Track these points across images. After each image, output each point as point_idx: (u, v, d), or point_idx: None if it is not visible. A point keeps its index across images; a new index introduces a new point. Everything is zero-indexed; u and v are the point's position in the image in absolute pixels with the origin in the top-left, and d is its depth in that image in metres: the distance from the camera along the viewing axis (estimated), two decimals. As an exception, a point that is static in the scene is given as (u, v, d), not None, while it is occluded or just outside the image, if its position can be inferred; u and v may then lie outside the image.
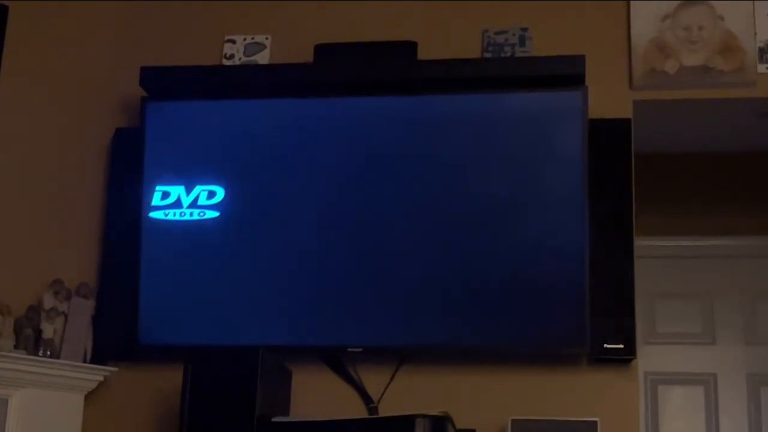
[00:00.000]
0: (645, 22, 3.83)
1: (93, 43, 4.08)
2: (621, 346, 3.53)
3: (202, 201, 3.73)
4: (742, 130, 4.22)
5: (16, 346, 3.52)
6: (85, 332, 3.72)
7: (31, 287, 3.70)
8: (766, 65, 3.72)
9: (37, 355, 3.54)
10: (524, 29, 3.87)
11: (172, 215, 3.74)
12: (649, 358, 4.65)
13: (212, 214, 3.72)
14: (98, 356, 3.74)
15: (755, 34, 3.75)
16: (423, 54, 3.83)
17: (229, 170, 3.81)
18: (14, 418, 3.39)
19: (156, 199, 3.77)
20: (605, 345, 3.53)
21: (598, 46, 3.82)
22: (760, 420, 4.63)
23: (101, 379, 3.71)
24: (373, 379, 3.68)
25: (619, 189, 3.65)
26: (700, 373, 4.73)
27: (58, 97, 3.91)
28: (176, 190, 3.76)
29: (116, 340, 3.77)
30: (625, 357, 3.55)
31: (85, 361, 3.69)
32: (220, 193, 3.72)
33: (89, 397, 3.72)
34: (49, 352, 3.58)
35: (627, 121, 3.73)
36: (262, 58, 3.99)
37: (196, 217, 3.72)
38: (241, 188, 3.79)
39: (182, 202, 3.73)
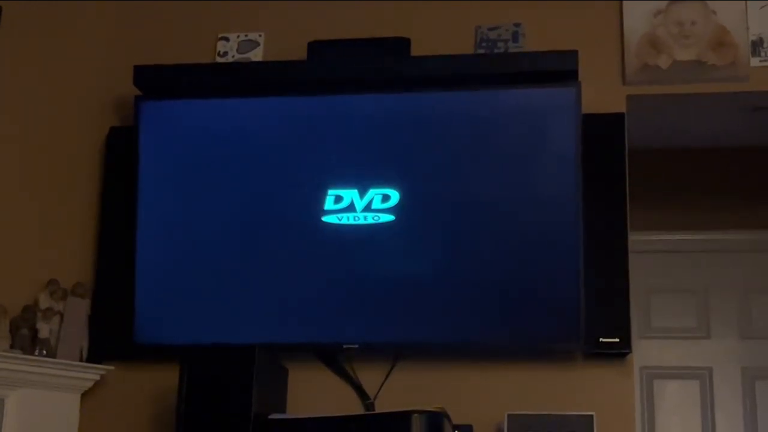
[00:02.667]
0: (638, 18, 3.83)
1: (87, 42, 4.07)
2: (616, 340, 3.54)
3: (376, 205, 3.68)
4: (735, 124, 4.23)
5: (12, 346, 3.51)
6: (81, 332, 3.72)
7: (27, 287, 3.69)
8: (758, 59, 3.73)
9: (33, 354, 3.53)
10: (517, 25, 3.88)
11: (346, 219, 3.70)
12: (645, 352, 4.66)
13: (387, 217, 3.67)
14: (94, 355, 3.74)
15: (747, 28, 3.76)
16: (416, 50, 3.84)
17: (223, 167, 3.80)
18: (11, 418, 3.38)
19: (329, 203, 3.73)
20: (600, 340, 3.53)
21: (591, 41, 3.82)
22: (755, 413, 4.65)
23: (97, 378, 3.71)
24: (370, 376, 3.69)
25: (613, 184, 3.66)
26: (696, 367, 4.75)
27: (53, 96, 3.90)
28: (349, 194, 3.72)
29: (112, 339, 3.77)
30: (621, 351, 3.56)
31: (81, 361, 3.68)
32: (395, 197, 3.67)
33: (86, 396, 3.72)
34: (45, 352, 3.57)
35: (620, 116, 3.73)
36: (256, 55, 3.99)
37: (370, 221, 3.68)
38: (235, 186, 3.78)
39: (356, 206, 3.70)
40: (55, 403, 3.59)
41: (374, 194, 3.69)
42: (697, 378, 4.74)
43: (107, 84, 4.04)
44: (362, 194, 3.70)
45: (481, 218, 3.65)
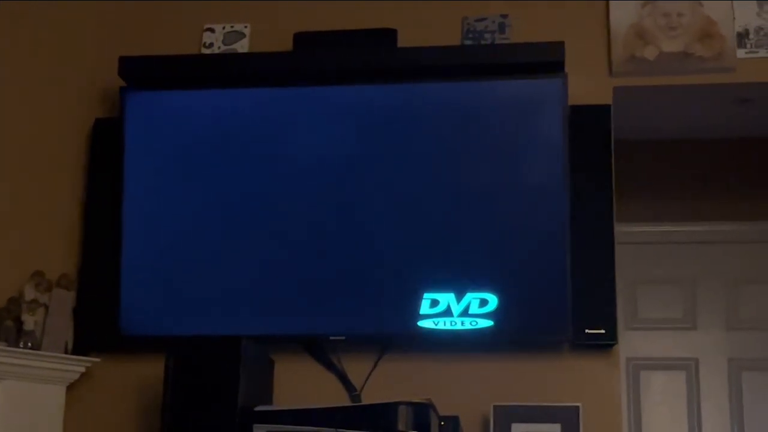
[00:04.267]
0: (625, 9, 3.83)
1: (72, 33, 4.05)
2: (602, 331, 3.54)
3: (473, 310, 3.57)
4: (722, 115, 4.24)
5: (-3, 339, 3.51)
6: (66, 323, 3.70)
7: (12, 279, 3.68)
8: (744, 51, 3.74)
9: (18, 347, 3.52)
10: (504, 16, 3.87)
11: (442, 324, 3.59)
12: (631, 343, 4.67)
13: (486, 323, 3.57)
14: (80, 347, 3.73)
15: (734, 19, 3.76)
16: (403, 41, 3.83)
17: (209, 158, 3.79)
18: (-4, 410, 3.38)
19: (425, 308, 3.61)
20: (587, 331, 3.54)
21: (578, 32, 3.82)
22: (741, 404, 4.66)
23: (83, 370, 3.70)
24: (356, 368, 3.68)
25: (599, 175, 3.66)
26: (682, 358, 4.76)
27: (38, 87, 3.88)
28: (446, 298, 3.60)
29: (98, 331, 3.75)
30: (607, 342, 3.56)
31: (66, 353, 3.67)
32: (493, 301, 3.56)
33: (71, 388, 3.71)
34: (30, 344, 3.56)
35: (607, 107, 3.73)
36: (242, 46, 3.98)
37: (468, 326, 3.57)
38: (221, 177, 3.77)
39: (452, 311, 3.59)
40: (41, 395, 3.58)
41: (357, 183, 3.70)
42: (684, 369, 4.75)
43: (92, 75, 4.02)
44: (344, 183, 3.71)
45: (468, 209, 3.65)
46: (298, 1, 4.03)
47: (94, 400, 3.77)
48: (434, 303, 3.61)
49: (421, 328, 3.59)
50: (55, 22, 3.99)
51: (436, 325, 3.60)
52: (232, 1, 4.07)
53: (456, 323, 3.59)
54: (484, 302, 3.58)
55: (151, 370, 3.60)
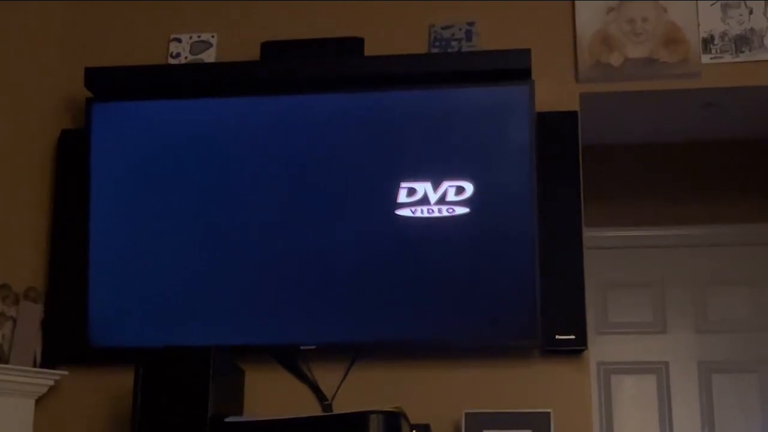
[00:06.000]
0: (590, 15, 3.85)
1: (37, 44, 4.03)
2: (572, 337, 3.55)
3: (450, 197, 3.64)
4: (688, 120, 4.27)
5: (-36, 353, 3.48)
6: (34, 336, 3.67)
7: (-22, 292, 3.65)
8: (709, 56, 3.76)
9: (-15, 360, 3.50)
10: (471, 24, 3.88)
11: (420, 212, 3.65)
12: (602, 348, 4.69)
13: (462, 210, 3.62)
14: (48, 360, 3.70)
15: (698, 25, 3.79)
16: (370, 50, 3.83)
17: (177, 169, 3.78)
18: (-36, 425, 3.36)
19: (402, 197, 3.67)
20: (557, 336, 3.55)
21: (544, 39, 3.84)
22: (711, 407, 4.69)
23: (52, 383, 3.67)
24: (327, 377, 3.68)
25: (567, 181, 3.67)
26: (652, 361, 4.78)
27: (2, 99, 3.86)
28: (422, 187, 3.66)
29: (66, 343, 3.73)
30: (577, 348, 3.57)
31: (35, 366, 3.65)
32: (469, 189, 3.63)
33: (40, 401, 3.68)
34: (-3, 358, 3.54)
35: (574, 113, 3.75)
36: (209, 56, 3.97)
37: (445, 213, 3.63)
38: (188, 187, 3.76)
39: (429, 199, 3.65)
40: (9, 409, 3.55)
41: (326, 192, 3.70)
42: (654, 372, 4.77)
43: (58, 86, 4.00)
44: (312, 192, 3.71)
45: (437, 216, 3.65)
46: (265, 10, 4.03)
47: (64, 413, 3.75)
48: (411, 192, 3.64)
49: (399, 216, 3.62)
50: (19, 32, 3.96)
51: (413, 213, 3.62)
52: (199, 11, 4.06)
53: (433, 211, 3.60)
54: (460, 190, 3.60)
55: (120, 381, 3.58)
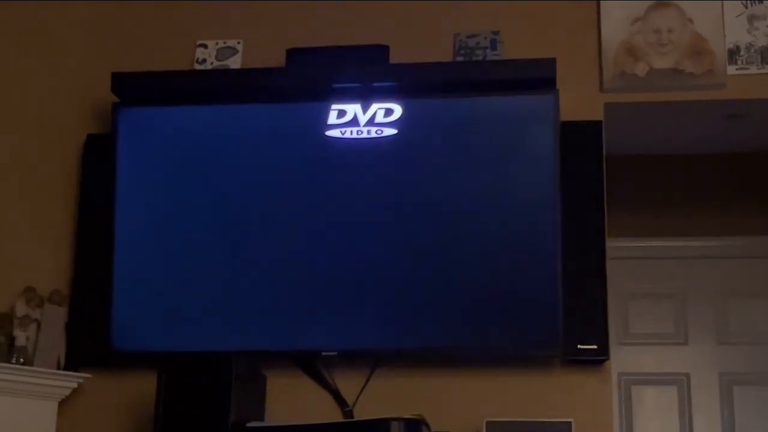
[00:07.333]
0: (615, 26, 3.85)
1: (64, 49, 4.06)
2: (594, 347, 3.55)
3: (379, 119, 3.68)
4: (712, 131, 4.25)
5: (-12, 354, 3.50)
6: (58, 339, 3.70)
7: (3, 295, 3.67)
8: (735, 67, 3.75)
9: (9, 362, 3.51)
10: (495, 32, 3.88)
11: (349, 134, 3.70)
12: (623, 358, 4.67)
13: (390, 131, 3.67)
14: (72, 363, 3.72)
15: (724, 36, 3.78)
16: (395, 57, 3.84)
17: (202, 174, 3.80)
18: (-13, 426, 3.37)
19: (332, 118, 3.73)
20: (579, 346, 3.54)
21: (569, 49, 3.84)
22: (732, 419, 4.67)
23: (75, 386, 3.69)
24: (348, 383, 3.68)
25: (591, 191, 3.67)
26: (674, 373, 4.76)
27: (30, 103, 3.88)
28: (352, 108, 3.72)
29: (90, 346, 3.75)
30: (599, 358, 3.56)
31: (58, 369, 3.67)
32: (398, 111, 3.69)
33: (63, 404, 3.70)
34: (22, 360, 3.55)
35: (598, 123, 3.75)
36: (234, 62, 3.99)
37: (374, 135, 3.67)
38: (213, 193, 3.78)
39: (359, 120, 3.69)
40: (33, 411, 3.57)
41: (352, 198, 3.70)
42: (675, 384, 4.75)
43: (85, 91, 4.02)
44: (338, 198, 3.72)
45: (460, 225, 3.66)
46: (290, 17, 4.04)
47: (86, 416, 3.77)
48: (341, 113, 3.68)
49: (328, 137, 3.66)
50: (46, 38, 3.99)
51: (342, 134, 3.65)
52: (225, 17, 4.08)
53: (362, 132, 3.63)
54: (389, 112, 3.63)
55: (143, 385, 3.59)
